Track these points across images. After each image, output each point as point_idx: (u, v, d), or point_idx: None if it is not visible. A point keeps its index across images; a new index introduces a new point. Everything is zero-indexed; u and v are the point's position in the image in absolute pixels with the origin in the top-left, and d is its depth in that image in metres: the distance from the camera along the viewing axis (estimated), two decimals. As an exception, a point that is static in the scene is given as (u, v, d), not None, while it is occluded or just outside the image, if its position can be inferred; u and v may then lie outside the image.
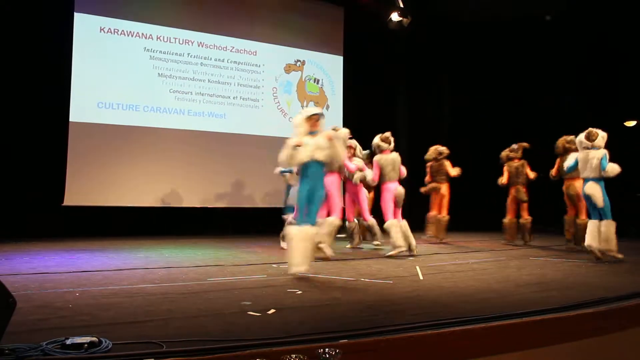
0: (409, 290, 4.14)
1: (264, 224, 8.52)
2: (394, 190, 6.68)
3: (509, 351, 2.86)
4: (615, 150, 9.42)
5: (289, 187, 7.24)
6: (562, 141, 7.63)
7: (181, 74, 9.58)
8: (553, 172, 7.68)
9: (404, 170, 6.96)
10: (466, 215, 10.40)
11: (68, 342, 2.36)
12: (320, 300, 3.74)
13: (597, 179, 6.21)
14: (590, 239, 6.28)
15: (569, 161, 6.67)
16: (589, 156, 6.29)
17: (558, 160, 7.58)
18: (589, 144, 6.34)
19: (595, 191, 6.15)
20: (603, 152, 6.24)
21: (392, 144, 6.93)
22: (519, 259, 6.36)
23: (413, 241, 6.66)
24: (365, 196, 7.30)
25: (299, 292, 3.99)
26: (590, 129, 6.41)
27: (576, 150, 6.76)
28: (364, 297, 3.84)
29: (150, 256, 6.18)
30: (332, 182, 6.40)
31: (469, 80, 11.83)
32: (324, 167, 4.95)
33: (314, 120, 4.97)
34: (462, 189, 10.27)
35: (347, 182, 7.22)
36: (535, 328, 3.03)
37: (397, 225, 6.54)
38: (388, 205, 6.67)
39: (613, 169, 6.15)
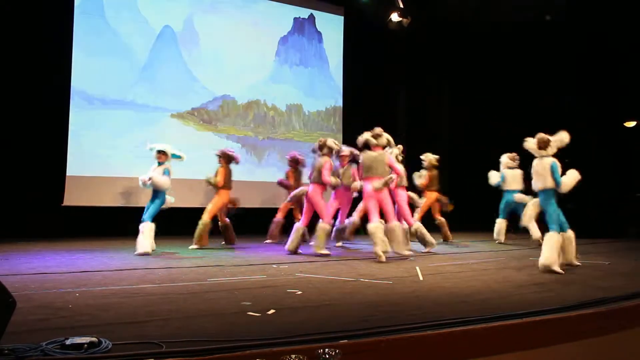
0: (409, 291, 4.14)
1: (262, 224, 8.52)
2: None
3: (509, 351, 2.87)
4: (615, 151, 9.44)
5: (159, 193, 6.65)
6: (432, 159, 8.64)
7: (182, 74, 9.58)
8: (423, 183, 8.55)
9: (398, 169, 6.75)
10: (466, 216, 10.40)
11: (68, 342, 2.36)
12: (320, 300, 3.74)
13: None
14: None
15: (496, 178, 8.62)
16: (515, 173, 8.47)
17: (428, 173, 8.56)
18: (513, 164, 8.51)
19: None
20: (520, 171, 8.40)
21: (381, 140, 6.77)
22: (519, 260, 6.36)
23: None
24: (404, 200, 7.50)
25: (299, 292, 3.99)
26: (511, 153, 8.47)
27: (435, 166, 8.56)
28: (364, 297, 3.84)
29: (150, 256, 6.17)
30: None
31: (469, 80, 11.83)
32: None
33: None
34: (463, 189, 10.27)
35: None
36: (535, 328, 3.03)
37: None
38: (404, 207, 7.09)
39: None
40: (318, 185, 6.69)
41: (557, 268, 5.18)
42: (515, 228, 8.19)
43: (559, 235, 5.36)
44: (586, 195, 10.30)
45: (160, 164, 6.72)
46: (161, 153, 6.73)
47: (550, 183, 5.46)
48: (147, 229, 6.44)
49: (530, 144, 5.69)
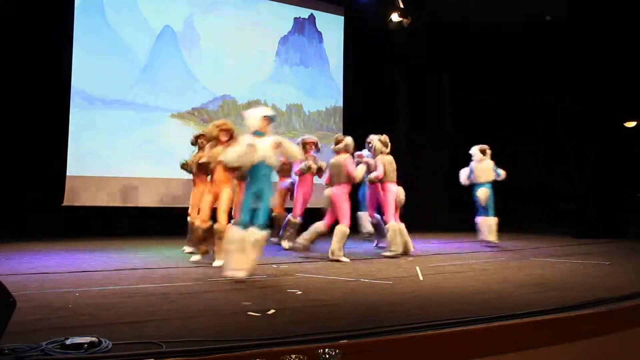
0: (409, 291, 4.14)
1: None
2: (396, 191, 6.69)
3: (509, 351, 2.86)
4: (615, 151, 9.43)
5: (269, 178, 5.29)
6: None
7: (182, 74, 9.58)
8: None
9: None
10: (464, 215, 10.39)
11: (68, 342, 2.36)
12: (320, 300, 3.74)
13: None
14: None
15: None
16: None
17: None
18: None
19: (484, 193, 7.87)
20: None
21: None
22: (519, 260, 6.35)
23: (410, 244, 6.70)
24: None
25: (299, 292, 3.99)
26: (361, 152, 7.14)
27: None
28: (364, 297, 3.84)
29: (150, 256, 6.17)
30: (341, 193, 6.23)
31: (470, 80, 11.83)
32: None
33: None
34: (464, 188, 10.23)
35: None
36: (536, 328, 3.03)
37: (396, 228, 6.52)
38: (390, 206, 6.62)
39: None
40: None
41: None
42: None
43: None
44: (586, 195, 10.32)
45: (259, 134, 4.75)
46: (270, 120, 4.87)
47: (494, 176, 7.80)
48: (262, 240, 4.56)
49: (477, 152, 7.87)
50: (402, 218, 6.89)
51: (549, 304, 3.51)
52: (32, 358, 2.22)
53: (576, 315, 3.24)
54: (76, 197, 8.45)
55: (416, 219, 9.46)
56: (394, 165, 6.78)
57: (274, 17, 10.72)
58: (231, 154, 4.72)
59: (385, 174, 6.63)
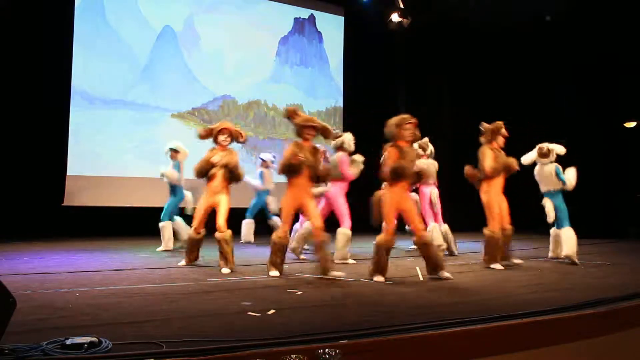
0: (409, 291, 4.14)
1: (263, 224, 8.54)
2: (429, 193, 7.02)
3: (509, 351, 2.87)
4: (615, 151, 9.41)
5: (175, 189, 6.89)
6: None
7: (182, 74, 9.58)
8: None
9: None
10: (468, 215, 10.39)
11: (68, 342, 2.36)
12: (320, 300, 3.74)
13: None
14: None
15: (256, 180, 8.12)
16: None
17: None
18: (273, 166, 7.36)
19: None
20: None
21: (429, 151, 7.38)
22: (519, 260, 6.35)
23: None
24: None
25: (299, 292, 3.99)
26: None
27: None
28: (364, 297, 3.84)
29: (150, 256, 6.18)
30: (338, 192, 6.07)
31: (470, 80, 11.82)
32: None
33: None
34: (464, 188, 10.23)
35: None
36: (536, 328, 3.03)
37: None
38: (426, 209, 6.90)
39: None
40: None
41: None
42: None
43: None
44: (586, 195, 10.31)
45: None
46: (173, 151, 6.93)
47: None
48: (162, 228, 6.86)
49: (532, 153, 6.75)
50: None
51: (549, 304, 3.51)
52: (32, 358, 2.22)
53: (576, 315, 3.24)
54: (76, 197, 8.45)
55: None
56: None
57: (274, 17, 10.72)
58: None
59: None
